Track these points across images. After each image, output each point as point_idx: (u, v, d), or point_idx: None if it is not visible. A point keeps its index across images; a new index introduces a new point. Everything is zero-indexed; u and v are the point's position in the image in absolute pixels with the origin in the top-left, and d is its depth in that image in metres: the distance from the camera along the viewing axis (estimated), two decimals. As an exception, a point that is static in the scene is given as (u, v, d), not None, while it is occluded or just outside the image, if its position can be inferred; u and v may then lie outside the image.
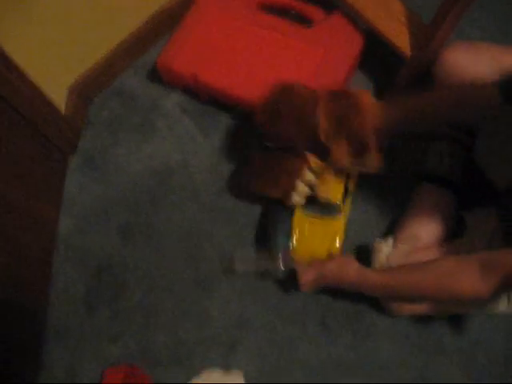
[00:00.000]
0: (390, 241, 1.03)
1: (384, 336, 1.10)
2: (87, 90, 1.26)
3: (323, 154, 1.03)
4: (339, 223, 1.11)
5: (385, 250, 1.00)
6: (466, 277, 0.80)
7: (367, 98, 0.96)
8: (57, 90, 1.17)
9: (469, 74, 0.95)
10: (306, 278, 0.99)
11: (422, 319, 1.09)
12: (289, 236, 1.09)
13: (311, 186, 1.07)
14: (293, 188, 1.05)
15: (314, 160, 1.05)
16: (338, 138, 0.97)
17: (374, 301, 1.09)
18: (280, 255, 1.04)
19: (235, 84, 1.18)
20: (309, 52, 1.20)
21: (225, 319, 1.12)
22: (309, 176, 1.05)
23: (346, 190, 1.13)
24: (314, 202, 1.11)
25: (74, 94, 1.22)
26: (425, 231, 1.02)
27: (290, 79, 1.06)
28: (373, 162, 1.00)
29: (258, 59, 1.20)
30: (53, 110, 1.14)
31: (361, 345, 1.10)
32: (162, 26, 1.33)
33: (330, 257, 1.01)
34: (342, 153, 0.98)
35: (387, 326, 1.10)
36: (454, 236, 1.04)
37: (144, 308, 1.13)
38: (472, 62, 0.98)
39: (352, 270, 0.95)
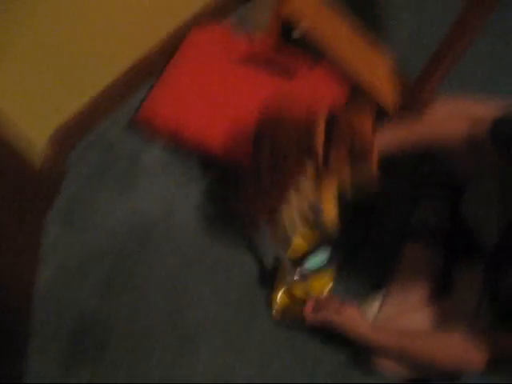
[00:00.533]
0: (376, 304, 1.02)
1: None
2: (67, 140, 1.22)
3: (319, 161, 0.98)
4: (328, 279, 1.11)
5: (371, 314, 1.00)
6: (474, 357, 0.85)
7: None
8: (35, 141, 1.13)
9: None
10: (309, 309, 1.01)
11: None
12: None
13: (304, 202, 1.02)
14: (285, 200, 1.00)
15: (311, 171, 0.99)
16: (338, 142, 0.94)
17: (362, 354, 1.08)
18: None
19: (217, 137, 1.17)
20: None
21: (210, 376, 1.10)
22: (304, 186, 0.99)
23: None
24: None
25: (53, 144, 1.18)
26: (412, 293, 1.02)
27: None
28: (370, 171, 0.96)
29: (239, 112, 1.19)
30: (29, 167, 1.11)
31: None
32: (143, 75, 1.30)
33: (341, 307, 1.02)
34: (340, 159, 0.95)
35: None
36: (441, 293, 1.04)
37: (125, 368, 1.09)
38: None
39: (363, 329, 0.96)
